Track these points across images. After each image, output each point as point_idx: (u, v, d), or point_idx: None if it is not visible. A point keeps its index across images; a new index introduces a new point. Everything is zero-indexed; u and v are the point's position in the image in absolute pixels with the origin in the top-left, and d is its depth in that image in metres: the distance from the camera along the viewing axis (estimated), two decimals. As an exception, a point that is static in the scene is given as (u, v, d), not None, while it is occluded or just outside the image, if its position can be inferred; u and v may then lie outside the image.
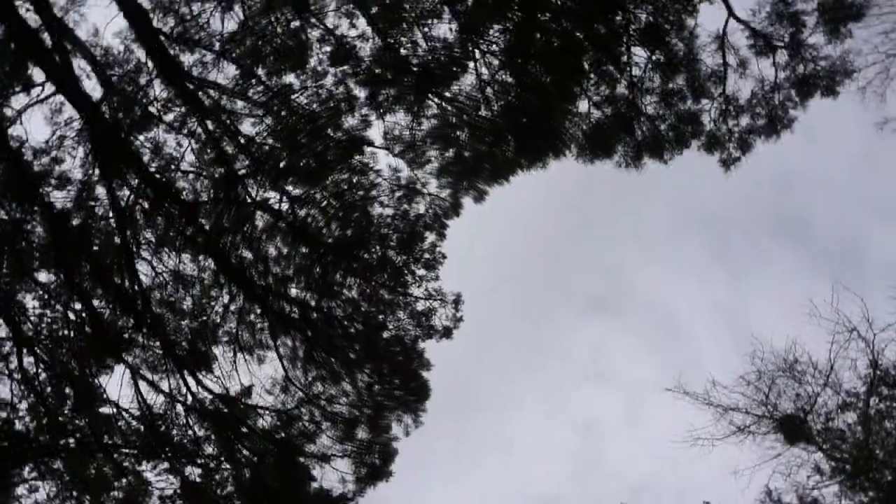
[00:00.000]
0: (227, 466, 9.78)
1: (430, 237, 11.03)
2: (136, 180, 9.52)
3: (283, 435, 10.14)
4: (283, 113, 10.36)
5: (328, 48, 9.86)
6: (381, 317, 11.02)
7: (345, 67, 10.21)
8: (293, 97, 10.24)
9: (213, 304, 10.55)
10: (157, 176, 9.84)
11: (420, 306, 10.97)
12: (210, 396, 9.94)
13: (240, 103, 10.28)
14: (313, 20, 9.67)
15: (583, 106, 9.43)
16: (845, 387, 10.81)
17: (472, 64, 9.77)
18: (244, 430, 9.88)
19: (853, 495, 10.43)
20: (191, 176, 10.29)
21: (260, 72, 10.21)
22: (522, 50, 9.46)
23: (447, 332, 10.89)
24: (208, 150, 10.47)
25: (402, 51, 9.88)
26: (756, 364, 11.31)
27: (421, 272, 10.97)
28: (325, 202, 10.93)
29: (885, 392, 10.50)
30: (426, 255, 11.01)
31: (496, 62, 9.57)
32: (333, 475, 10.08)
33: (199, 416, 9.79)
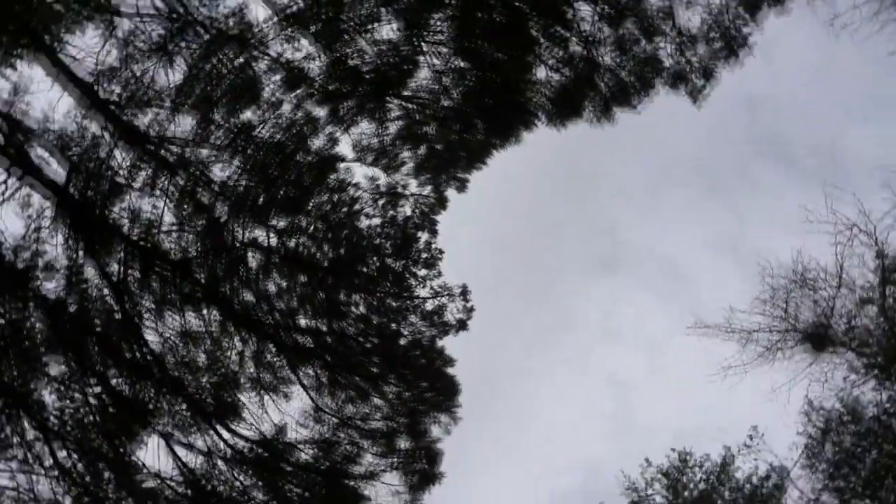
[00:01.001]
0: (280, 508, 9.80)
1: (423, 236, 11.07)
2: (122, 252, 9.44)
3: (326, 463, 10.15)
4: (249, 150, 10.29)
5: (278, 76, 9.77)
6: (393, 325, 11.04)
7: (299, 91, 10.14)
8: (255, 132, 10.18)
9: (227, 353, 10.51)
10: (142, 242, 9.75)
11: (429, 306, 11.01)
12: (247, 444, 9.92)
13: (204, 151, 10.21)
14: (257, 53, 9.57)
15: (541, 73, 9.39)
16: (859, 283, 10.89)
17: (422, 58, 9.71)
18: (288, 468, 9.88)
19: (891, 385, 10.55)
20: (174, 234, 10.22)
21: (217, 115, 10.14)
22: (469, 32, 9.40)
23: (462, 325, 10.93)
24: (185, 205, 10.40)
25: (351, 61, 9.81)
26: (768, 282, 11.38)
27: (422, 272, 10.99)
28: (312, 227, 10.91)
29: (896, 279, 10.60)
30: (423, 255, 11.03)
31: (446, 50, 9.51)
32: (385, 490, 10.11)
33: (241, 466, 9.77)
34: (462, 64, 9.59)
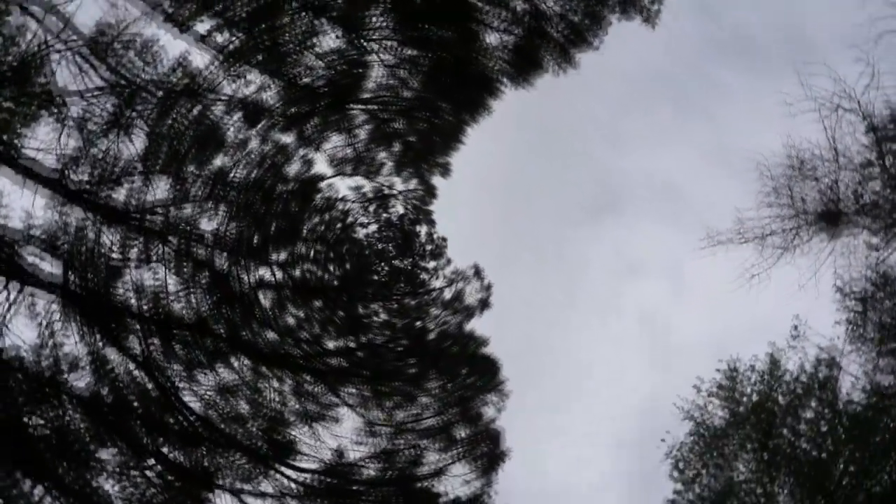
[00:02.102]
0: (362, 528, 9.91)
1: (423, 229, 11.03)
2: (139, 329, 9.45)
3: (393, 473, 10.23)
4: (230, 195, 10.25)
5: (237, 116, 9.69)
6: (418, 323, 11.05)
7: (261, 124, 10.06)
8: (231, 176, 10.13)
9: (267, 395, 10.56)
10: (154, 314, 9.76)
11: (447, 294, 11.01)
12: (313, 476, 10.01)
13: (187, 209, 10.18)
14: (209, 99, 9.48)
15: (492, 39, 9.27)
16: (857, 161, 10.76)
17: (371, 57, 9.60)
18: (358, 488, 9.98)
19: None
20: (182, 296, 10.22)
21: (189, 170, 10.09)
22: (409, 19, 9.27)
23: (484, 303, 10.94)
24: (184, 266, 10.40)
25: (304, 80, 9.71)
26: (767, 179, 11.26)
27: (432, 264, 10.98)
28: (312, 251, 10.89)
29: (893, 147, 10.46)
30: (428, 247, 11.00)
31: (392, 44, 9.39)
32: (457, 481, 10.19)
33: (314, 498, 9.88)
34: (412, 52, 9.47)
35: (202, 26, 9.76)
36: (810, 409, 12.04)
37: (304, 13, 9.20)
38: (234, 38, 9.23)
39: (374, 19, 9.24)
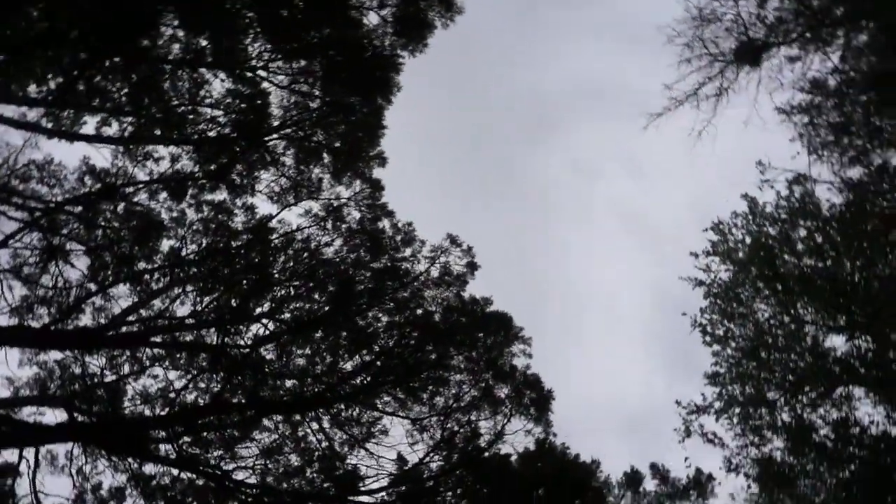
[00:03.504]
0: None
1: (385, 223, 10.91)
2: (163, 434, 9.34)
3: (457, 455, 10.34)
4: (191, 272, 10.06)
5: (163, 195, 9.47)
6: (418, 311, 11.00)
7: (189, 192, 9.83)
8: (184, 254, 9.93)
9: (309, 438, 10.56)
10: (171, 413, 9.65)
11: (434, 272, 10.95)
12: (385, 492, 10.09)
13: (156, 302, 9.99)
14: (129, 190, 9.23)
15: (373, 18, 9.10)
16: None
17: (265, 84, 9.39)
18: (432, 483, 10.10)
19: (831, 44, 10.75)
20: (189, 384, 10.10)
21: (141, 266, 9.88)
22: (284, 33, 9.03)
23: (472, 266, 10.92)
24: (178, 357, 10.24)
25: (210, 133, 9.47)
26: (678, 38, 11.30)
27: (408, 252, 10.90)
28: (291, 289, 10.76)
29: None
30: (397, 237, 10.91)
31: (278, 65, 9.17)
32: (518, 437, 10.32)
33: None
34: (301, 63, 9.26)
35: (89, 126, 9.45)
36: (801, 228, 12.40)
37: (180, 71, 8.92)
38: (125, 124, 8.94)
39: (249, 48, 8.99)
